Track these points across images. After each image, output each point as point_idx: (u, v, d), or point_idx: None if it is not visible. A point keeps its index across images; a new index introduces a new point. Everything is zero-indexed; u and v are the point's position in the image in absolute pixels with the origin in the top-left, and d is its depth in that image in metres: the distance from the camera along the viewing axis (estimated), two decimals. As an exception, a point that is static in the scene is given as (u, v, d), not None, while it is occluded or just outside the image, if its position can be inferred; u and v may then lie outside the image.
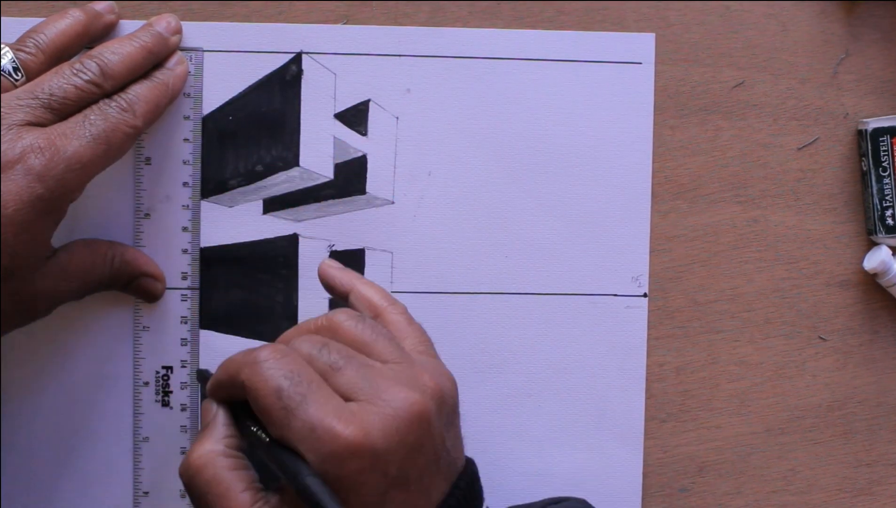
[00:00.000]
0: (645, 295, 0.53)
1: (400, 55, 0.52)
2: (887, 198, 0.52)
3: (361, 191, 0.52)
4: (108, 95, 0.46)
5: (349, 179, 0.52)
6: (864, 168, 0.52)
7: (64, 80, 0.45)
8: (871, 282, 0.53)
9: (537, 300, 0.53)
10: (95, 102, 0.45)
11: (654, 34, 0.52)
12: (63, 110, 0.44)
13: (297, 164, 0.51)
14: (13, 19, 0.51)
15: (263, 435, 0.40)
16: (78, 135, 0.44)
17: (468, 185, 0.52)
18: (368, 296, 0.46)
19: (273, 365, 0.39)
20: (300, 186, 0.52)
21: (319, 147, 0.51)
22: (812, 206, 0.53)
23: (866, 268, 0.53)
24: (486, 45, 0.52)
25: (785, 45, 0.53)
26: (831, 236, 0.54)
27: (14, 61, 0.45)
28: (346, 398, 0.40)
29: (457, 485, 0.42)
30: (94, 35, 0.49)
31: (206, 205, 0.51)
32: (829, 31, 0.53)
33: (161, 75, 0.48)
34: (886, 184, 0.52)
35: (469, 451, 0.46)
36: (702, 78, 0.53)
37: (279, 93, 0.51)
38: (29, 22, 0.49)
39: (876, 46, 0.53)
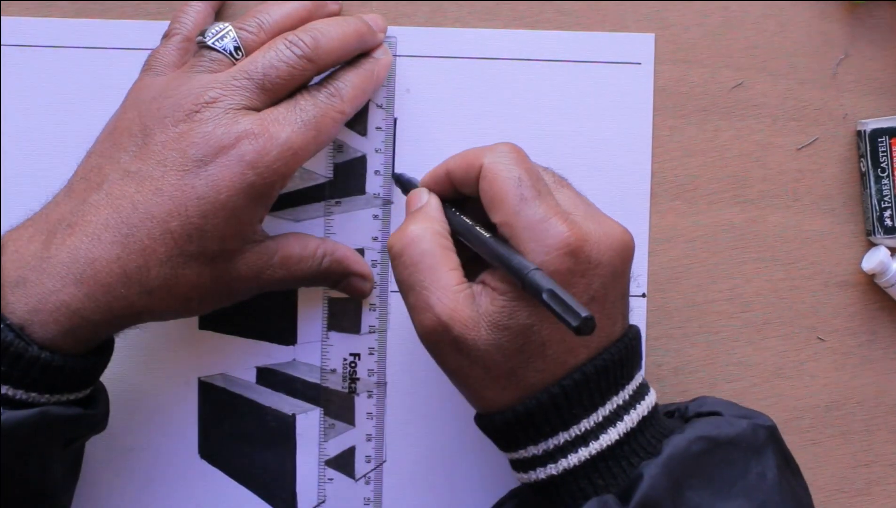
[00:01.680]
0: (643, 295, 0.52)
1: (399, 56, 0.52)
2: (886, 199, 0.52)
3: (361, 191, 0.52)
4: (319, 72, 0.46)
5: (349, 178, 0.52)
6: (863, 169, 0.52)
7: (278, 55, 0.45)
8: (870, 283, 0.53)
9: None
10: (306, 81, 0.46)
11: (653, 34, 0.52)
12: (276, 90, 0.45)
13: (296, 164, 0.52)
14: (13, 18, 0.51)
15: (481, 230, 0.43)
16: (290, 121, 0.44)
17: (467, 185, 0.52)
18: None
19: (514, 158, 0.43)
20: (299, 187, 0.51)
21: (318, 147, 0.52)
22: (810, 206, 0.53)
23: (865, 269, 0.52)
24: (485, 45, 0.52)
25: (784, 46, 0.53)
26: (830, 237, 0.53)
27: (236, 41, 0.46)
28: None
29: (631, 330, 0.45)
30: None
31: (205, 205, 0.51)
32: (829, 32, 0.53)
33: (368, 64, 0.49)
34: (885, 185, 0.51)
35: (474, 436, 0.48)
36: (701, 78, 0.52)
37: (278, 93, 0.52)
38: (29, 22, 0.50)
39: (875, 48, 0.53)
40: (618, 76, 0.52)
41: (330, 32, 0.46)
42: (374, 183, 0.51)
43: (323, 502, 0.51)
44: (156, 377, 0.51)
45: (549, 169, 0.46)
